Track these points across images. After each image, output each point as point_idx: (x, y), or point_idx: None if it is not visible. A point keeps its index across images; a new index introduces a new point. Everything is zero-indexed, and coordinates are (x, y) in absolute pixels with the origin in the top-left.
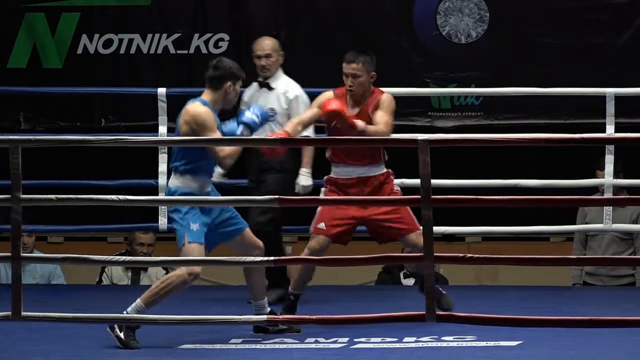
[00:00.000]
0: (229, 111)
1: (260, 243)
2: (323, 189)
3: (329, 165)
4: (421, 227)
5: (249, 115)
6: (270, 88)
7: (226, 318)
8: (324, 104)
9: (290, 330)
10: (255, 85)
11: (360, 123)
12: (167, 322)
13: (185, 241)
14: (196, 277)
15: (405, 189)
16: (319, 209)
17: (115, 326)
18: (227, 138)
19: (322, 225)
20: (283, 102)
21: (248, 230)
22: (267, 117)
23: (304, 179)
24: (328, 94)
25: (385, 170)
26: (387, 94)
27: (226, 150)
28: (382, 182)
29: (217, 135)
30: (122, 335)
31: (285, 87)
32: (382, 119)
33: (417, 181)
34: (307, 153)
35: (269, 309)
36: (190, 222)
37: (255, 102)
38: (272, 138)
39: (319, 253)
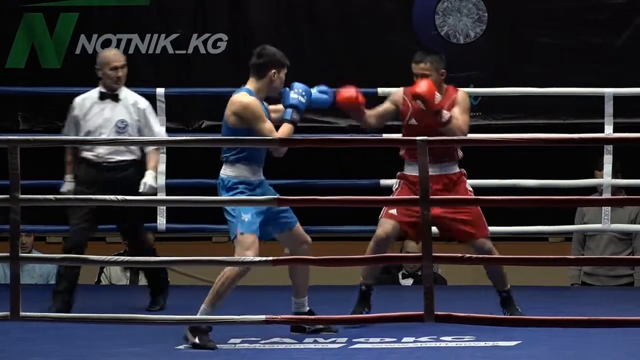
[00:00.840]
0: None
1: (308, 238)
2: (396, 182)
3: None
4: (489, 233)
5: (295, 96)
6: (117, 99)
7: (224, 318)
8: (412, 87)
9: (327, 329)
10: (93, 96)
11: (446, 112)
12: (166, 322)
13: (237, 232)
14: (249, 267)
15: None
16: None
17: (188, 336)
18: (226, 138)
19: (394, 211)
20: (133, 112)
21: (298, 226)
22: (310, 95)
23: (151, 179)
24: (400, 91)
25: (458, 169)
26: (462, 91)
27: (278, 135)
28: (455, 181)
29: (269, 124)
30: (197, 341)
31: (134, 98)
32: (460, 116)
33: None
34: (154, 157)
35: (307, 308)
36: (242, 212)
37: (97, 113)
38: (269, 138)
39: (384, 241)
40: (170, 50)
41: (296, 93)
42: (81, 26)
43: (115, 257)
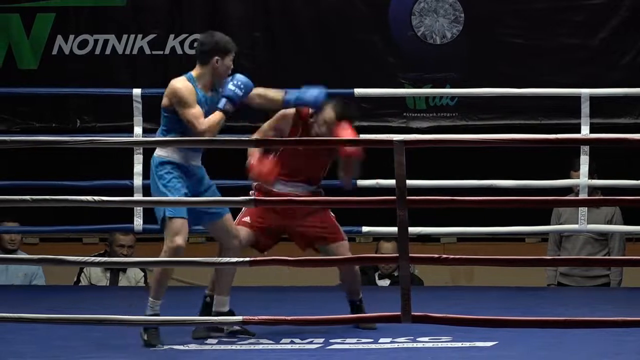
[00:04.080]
0: None
1: (239, 233)
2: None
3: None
4: (346, 238)
5: (232, 87)
6: None
7: (202, 319)
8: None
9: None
10: None
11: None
12: (144, 323)
13: (164, 215)
14: (180, 247)
15: (381, 190)
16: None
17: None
18: (195, 139)
19: (247, 218)
20: None
21: (229, 217)
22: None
23: None
24: (288, 115)
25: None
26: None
27: (205, 124)
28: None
29: (195, 110)
30: (145, 337)
31: None
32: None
33: (392, 182)
34: None
35: (227, 309)
36: (169, 194)
37: None
38: (245, 139)
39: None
40: (147, 51)
41: (234, 85)
42: (58, 27)
43: (92, 258)
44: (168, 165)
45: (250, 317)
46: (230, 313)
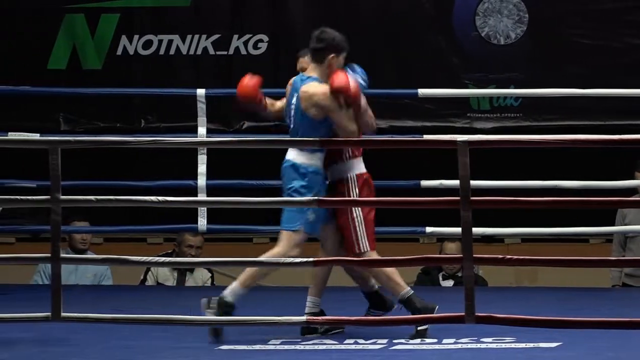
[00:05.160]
0: None
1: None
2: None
3: None
4: None
5: (362, 82)
6: None
7: (264, 319)
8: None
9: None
10: None
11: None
12: (206, 323)
13: (295, 227)
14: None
15: (445, 190)
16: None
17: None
18: (265, 139)
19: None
20: None
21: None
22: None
23: None
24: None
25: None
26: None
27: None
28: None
29: (347, 114)
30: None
31: None
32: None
33: (456, 182)
34: None
35: (319, 309)
36: (310, 209)
37: None
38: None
39: None
40: (211, 51)
41: (362, 79)
42: (122, 27)
43: (156, 258)
44: (318, 175)
45: (314, 318)
46: (322, 313)
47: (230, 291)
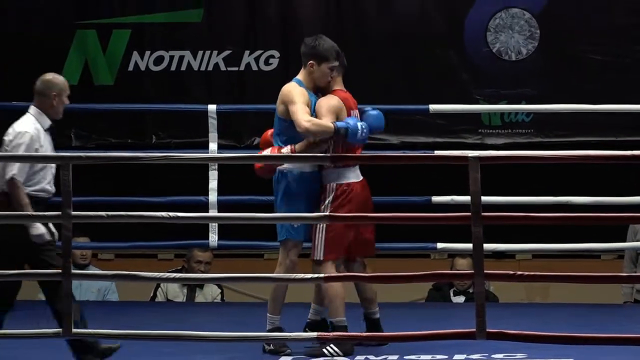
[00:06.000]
0: None
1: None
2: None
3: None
4: None
5: (358, 126)
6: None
7: (276, 335)
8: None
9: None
10: (39, 127)
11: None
12: (219, 339)
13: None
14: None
15: (456, 206)
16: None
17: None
18: (272, 156)
19: None
20: None
21: None
22: (367, 133)
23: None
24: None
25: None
26: (327, 97)
27: (309, 120)
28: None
29: (302, 107)
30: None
31: None
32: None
33: (467, 198)
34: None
35: (320, 317)
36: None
37: (47, 146)
38: (321, 155)
39: None
40: (223, 67)
41: (361, 128)
42: (134, 43)
43: (167, 274)
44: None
45: (325, 334)
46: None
47: (267, 322)
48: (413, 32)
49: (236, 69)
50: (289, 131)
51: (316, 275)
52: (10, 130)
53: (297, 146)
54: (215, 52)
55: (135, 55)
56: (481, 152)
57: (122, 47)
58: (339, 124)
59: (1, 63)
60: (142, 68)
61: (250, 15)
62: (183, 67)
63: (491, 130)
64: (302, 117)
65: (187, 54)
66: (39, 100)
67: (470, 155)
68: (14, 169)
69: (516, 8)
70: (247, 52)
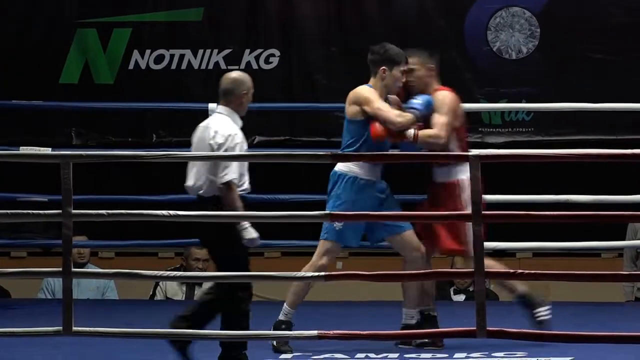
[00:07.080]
0: None
1: (420, 245)
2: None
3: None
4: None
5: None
6: None
7: (278, 333)
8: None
9: (433, 344)
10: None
11: (410, 132)
12: (216, 338)
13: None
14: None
15: None
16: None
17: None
18: (279, 153)
19: None
20: None
21: (410, 232)
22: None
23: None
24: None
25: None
26: (442, 93)
27: (403, 116)
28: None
29: (386, 105)
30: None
31: None
32: (437, 120)
33: None
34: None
35: (415, 321)
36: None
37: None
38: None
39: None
40: (223, 66)
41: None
42: (134, 42)
43: (167, 273)
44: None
45: (326, 332)
46: (418, 325)
47: (282, 312)
48: (413, 31)
49: (237, 67)
50: (357, 132)
51: (316, 274)
52: (211, 133)
53: (421, 133)
54: (215, 51)
55: (136, 54)
56: (482, 150)
57: (122, 45)
58: (415, 112)
59: (1, 62)
60: (143, 67)
61: (251, 14)
62: (183, 66)
63: (491, 129)
64: (392, 112)
65: (188, 53)
66: (228, 99)
67: (471, 153)
68: (231, 172)
69: (517, 7)
70: (247, 51)
